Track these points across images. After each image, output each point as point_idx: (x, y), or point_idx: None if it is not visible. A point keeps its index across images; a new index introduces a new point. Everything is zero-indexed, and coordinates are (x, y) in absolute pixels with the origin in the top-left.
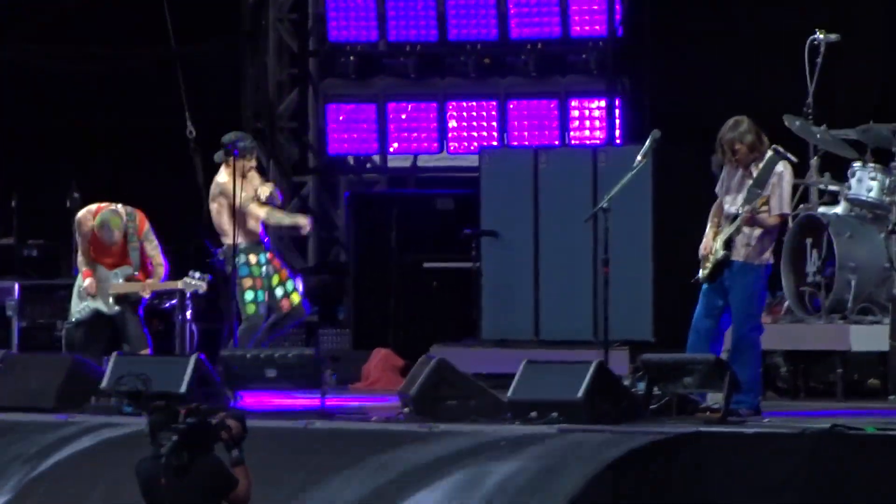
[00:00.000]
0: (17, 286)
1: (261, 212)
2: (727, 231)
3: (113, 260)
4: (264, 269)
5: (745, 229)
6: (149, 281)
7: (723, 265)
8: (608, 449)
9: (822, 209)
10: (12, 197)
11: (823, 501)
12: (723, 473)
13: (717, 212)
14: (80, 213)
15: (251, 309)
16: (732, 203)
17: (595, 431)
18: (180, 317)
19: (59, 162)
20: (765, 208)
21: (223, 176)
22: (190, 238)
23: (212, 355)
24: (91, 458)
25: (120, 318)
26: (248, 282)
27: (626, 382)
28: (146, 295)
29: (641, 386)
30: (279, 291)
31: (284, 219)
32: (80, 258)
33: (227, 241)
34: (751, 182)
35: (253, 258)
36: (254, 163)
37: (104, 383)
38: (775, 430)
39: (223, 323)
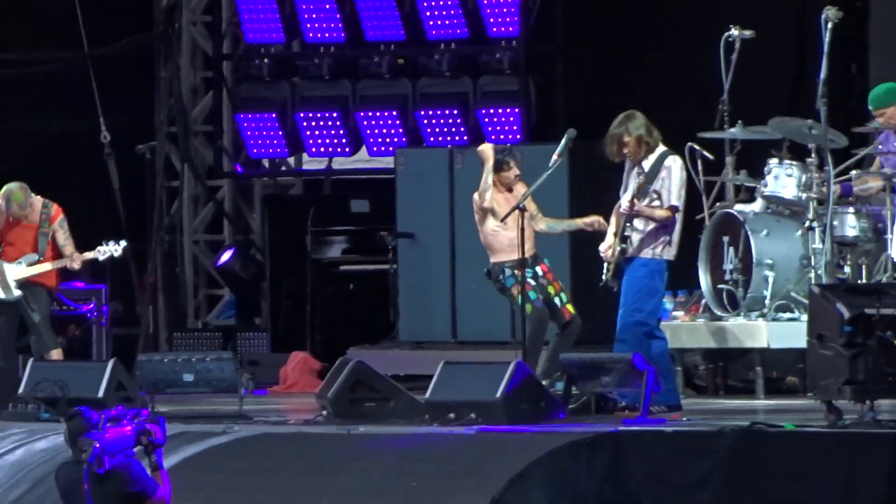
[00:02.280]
0: None
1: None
2: (621, 225)
3: (20, 247)
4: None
5: (638, 224)
6: (60, 259)
7: (623, 262)
8: (528, 449)
9: (738, 206)
10: None
11: (743, 499)
12: (642, 472)
13: (616, 213)
14: None
15: (528, 308)
16: (625, 199)
17: (514, 432)
18: (96, 322)
19: None
20: (657, 203)
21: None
22: (103, 241)
23: (129, 361)
24: (11, 465)
25: (25, 307)
26: (515, 289)
27: (545, 383)
28: (64, 265)
29: (560, 386)
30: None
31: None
32: None
33: (500, 258)
34: (641, 177)
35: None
36: (516, 171)
37: (21, 389)
38: (694, 428)
39: (139, 328)
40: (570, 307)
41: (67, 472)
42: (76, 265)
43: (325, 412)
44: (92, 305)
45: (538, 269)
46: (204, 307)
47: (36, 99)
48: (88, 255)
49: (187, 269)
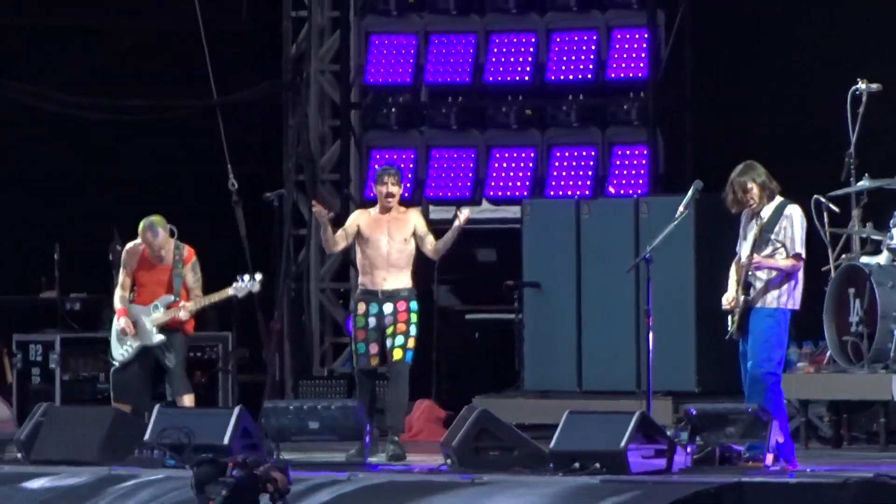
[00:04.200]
0: (59, 339)
1: None
2: (742, 277)
3: (152, 289)
4: None
5: (761, 274)
6: (199, 297)
7: (747, 313)
8: (652, 499)
9: (864, 259)
10: (54, 249)
11: None
12: None
13: (737, 265)
14: (129, 245)
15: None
16: (745, 250)
17: (638, 482)
18: (222, 369)
19: (100, 213)
20: (780, 253)
21: None
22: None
23: (254, 408)
24: None
25: (162, 353)
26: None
27: (669, 433)
28: (198, 306)
29: (684, 436)
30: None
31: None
32: (117, 295)
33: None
34: (760, 227)
35: None
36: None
37: (147, 436)
38: (818, 479)
39: (265, 375)
40: (396, 352)
41: None
42: (199, 305)
43: (449, 461)
44: (219, 353)
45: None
46: (329, 354)
47: (166, 144)
48: (215, 297)
49: (313, 316)
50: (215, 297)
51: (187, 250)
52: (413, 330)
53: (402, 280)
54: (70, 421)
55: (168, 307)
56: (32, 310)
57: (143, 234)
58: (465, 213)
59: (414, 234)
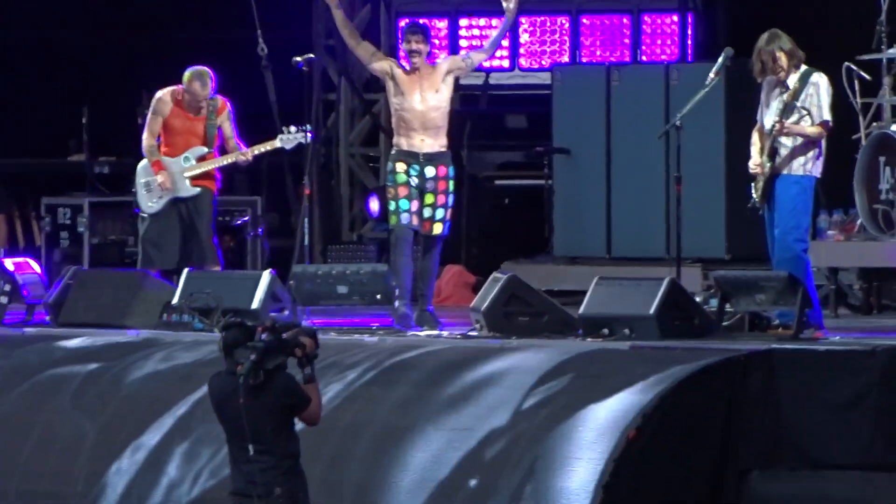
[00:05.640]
0: (87, 203)
1: None
2: (767, 144)
3: (186, 139)
4: None
5: (786, 141)
6: (241, 150)
7: (771, 181)
8: (680, 365)
9: (895, 127)
10: (82, 112)
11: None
12: (795, 390)
13: (759, 132)
14: (160, 92)
15: (392, 220)
16: (770, 118)
17: (667, 348)
18: (251, 233)
19: (128, 76)
20: (806, 120)
21: None
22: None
23: (283, 273)
24: (167, 376)
25: (193, 207)
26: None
27: (699, 299)
28: (247, 158)
29: (714, 303)
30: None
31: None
32: (147, 143)
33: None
34: (786, 95)
35: None
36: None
37: (175, 299)
38: (847, 347)
39: (294, 240)
40: (437, 226)
41: (221, 383)
42: (248, 157)
43: (478, 325)
44: (248, 217)
45: (429, 170)
46: (359, 219)
47: (195, 8)
48: (262, 147)
49: (343, 181)
50: (263, 146)
51: (220, 101)
52: (451, 200)
53: (439, 142)
54: (99, 284)
55: (200, 159)
56: (61, 173)
57: (189, 82)
58: None
59: (450, 72)
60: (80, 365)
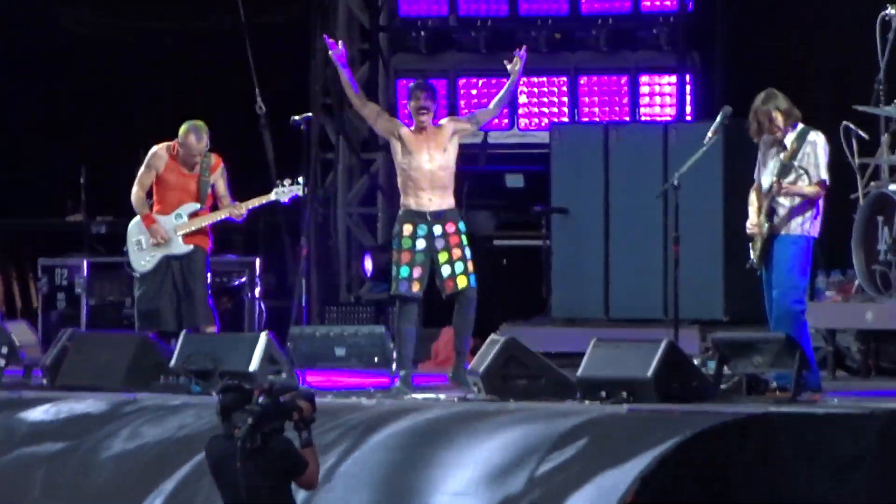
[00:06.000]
0: (85, 263)
1: None
2: (765, 204)
3: (178, 196)
4: None
5: (784, 201)
6: (233, 204)
7: (770, 241)
8: (678, 428)
9: (893, 186)
10: (80, 172)
11: (894, 481)
12: (793, 453)
13: (757, 192)
14: (156, 147)
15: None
16: (767, 178)
17: (665, 412)
18: (249, 294)
19: (127, 136)
20: (803, 180)
21: None
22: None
23: (280, 334)
24: (167, 442)
25: (186, 266)
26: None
27: (697, 362)
28: (240, 213)
29: (712, 365)
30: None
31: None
32: (138, 197)
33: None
34: (783, 154)
35: None
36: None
37: (173, 362)
38: (845, 410)
39: (291, 301)
40: (461, 279)
41: (219, 447)
42: (242, 212)
43: (476, 388)
44: (245, 278)
45: (437, 228)
46: (356, 280)
47: (193, 66)
48: (256, 201)
49: (340, 241)
50: (257, 200)
51: (214, 158)
52: (468, 252)
53: (447, 200)
54: (96, 346)
55: (192, 215)
56: (58, 233)
57: (185, 135)
58: (522, 53)
59: (455, 133)
60: (49, 443)
